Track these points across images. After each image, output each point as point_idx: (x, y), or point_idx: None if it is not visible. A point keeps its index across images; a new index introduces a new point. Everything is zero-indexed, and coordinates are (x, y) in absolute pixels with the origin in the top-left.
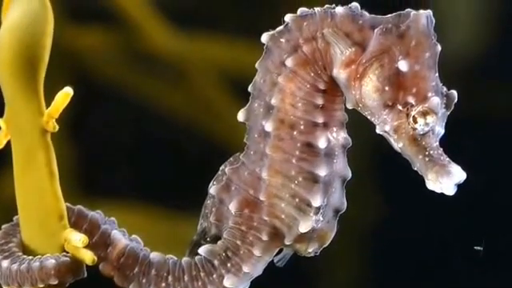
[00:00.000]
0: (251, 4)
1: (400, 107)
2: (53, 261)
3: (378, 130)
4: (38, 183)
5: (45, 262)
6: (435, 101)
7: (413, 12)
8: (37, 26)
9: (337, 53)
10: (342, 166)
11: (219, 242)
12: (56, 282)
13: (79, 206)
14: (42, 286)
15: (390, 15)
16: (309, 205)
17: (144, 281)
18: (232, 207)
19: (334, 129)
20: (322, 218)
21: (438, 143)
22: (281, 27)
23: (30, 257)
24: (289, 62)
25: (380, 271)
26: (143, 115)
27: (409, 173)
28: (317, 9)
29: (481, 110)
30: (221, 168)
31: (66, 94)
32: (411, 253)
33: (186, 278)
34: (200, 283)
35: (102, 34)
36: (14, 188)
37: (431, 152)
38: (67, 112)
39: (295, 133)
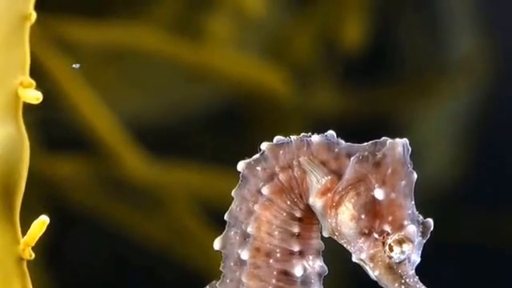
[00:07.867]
0: (226, 132)
1: (376, 235)
2: None
3: (354, 259)
4: None
5: None
6: (411, 229)
7: (389, 140)
8: (12, 153)
9: (313, 181)
10: None
11: None
12: None
13: None
14: None
15: (366, 143)
16: None
17: None
18: None
19: (310, 257)
20: None
21: (413, 271)
22: (257, 155)
23: None
24: (265, 191)
25: None
26: (119, 243)
27: None
28: (293, 137)
29: (456, 237)
30: None
31: (42, 222)
32: None
33: None
34: None
35: (78, 163)
36: None
37: (407, 280)
38: (43, 240)
39: (271, 261)
